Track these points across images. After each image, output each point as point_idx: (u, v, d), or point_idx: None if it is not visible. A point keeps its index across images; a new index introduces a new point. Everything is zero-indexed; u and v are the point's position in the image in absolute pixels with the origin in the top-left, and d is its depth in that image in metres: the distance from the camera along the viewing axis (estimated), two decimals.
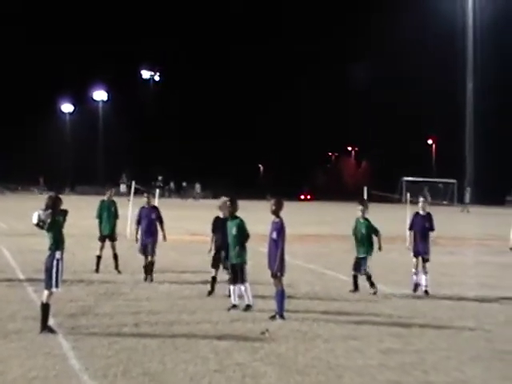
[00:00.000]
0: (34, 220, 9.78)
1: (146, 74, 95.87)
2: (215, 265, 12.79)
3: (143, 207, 15.09)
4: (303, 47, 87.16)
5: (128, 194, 37.23)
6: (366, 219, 14.24)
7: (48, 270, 9.59)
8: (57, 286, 9.58)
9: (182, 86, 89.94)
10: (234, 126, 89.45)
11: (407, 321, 11.10)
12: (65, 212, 10.00)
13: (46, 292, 9.62)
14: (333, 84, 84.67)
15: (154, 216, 14.84)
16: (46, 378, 7.54)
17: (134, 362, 8.26)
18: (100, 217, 16.11)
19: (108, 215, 16.06)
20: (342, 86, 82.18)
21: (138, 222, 14.91)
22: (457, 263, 19.84)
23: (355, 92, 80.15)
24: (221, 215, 12.68)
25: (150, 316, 10.87)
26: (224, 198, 12.30)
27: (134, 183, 28.95)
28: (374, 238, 14.15)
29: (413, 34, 70.01)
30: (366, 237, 14.11)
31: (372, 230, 14.16)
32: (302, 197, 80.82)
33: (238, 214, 11.87)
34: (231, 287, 11.67)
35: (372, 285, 13.71)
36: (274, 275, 10.99)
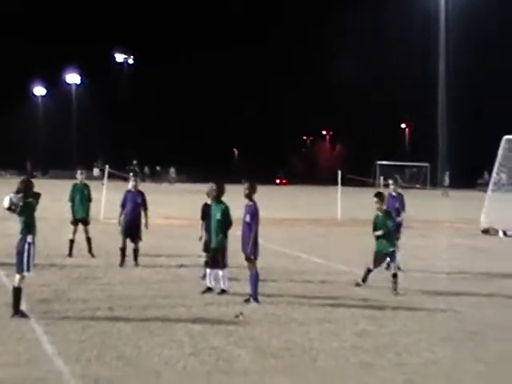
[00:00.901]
0: (6, 204, 9.67)
1: (119, 57, 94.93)
2: (207, 249, 12.70)
3: (129, 191, 14.86)
4: (277, 32, 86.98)
5: (101, 177, 37.02)
6: (386, 211, 13.03)
7: (19, 254, 9.51)
8: (28, 269, 9.50)
9: (157, 70, 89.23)
10: (208, 109, 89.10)
11: (381, 304, 11.20)
12: (37, 195, 9.90)
13: (17, 276, 9.54)
14: (308, 69, 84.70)
15: (139, 200, 14.66)
16: (19, 364, 7.49)
17: (108, 346, 8.24)
18: (73, 200, 15.95)
19: (81, 198, 15.91)
20: (318, 72, 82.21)
21: (123, 206, 14.70)
22: (428, 246, 20.03)
23: (331, 77, 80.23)
24: (209, 201, 12.52)
25: (124, 300, 10.83)
26: (212, 184, 12.16)
27: (107, 167, 28.82)
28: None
29: (386, 20, 70.22)
30: (393, 230, 12.88)
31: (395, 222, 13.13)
32: (278, 181, 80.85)
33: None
34: (208, 270, 11.67)
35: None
36: (247, 258, 11.01)
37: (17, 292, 9.48)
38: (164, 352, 8.06)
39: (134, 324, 9.31)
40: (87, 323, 9.24)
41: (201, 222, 12.83)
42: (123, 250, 14.39)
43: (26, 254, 9.47)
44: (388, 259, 12.70)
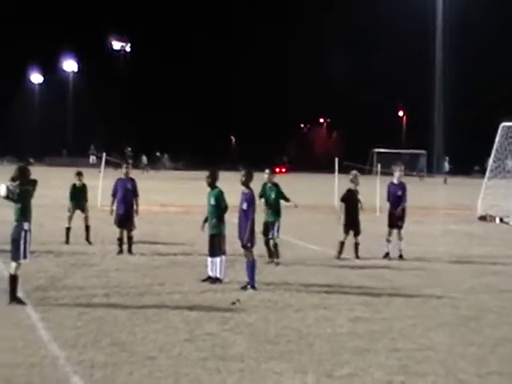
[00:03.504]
0: (3, 193, 9.66)
1: (116, 44, 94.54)
2: None
3: (120, 178, 14.85)
4: (275, 22, 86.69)
5: (98, 165, 36.95)
6: (275, 184, 14.30)
7: (15, 241, 9.50)
8: (25, 256, 9.51)
9: (153, 57, 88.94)
10: (205, 96, 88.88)
11: (376, 290, 11.23)
12: (34, 182, 9.88)
13: (13, 263, 9.54)
14: (305, 56, 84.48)
15: (129, 186, 14.64)
16: (15, 349, 7.50)
17: (104, 332, 8.26)
18: (72, 200, 16.04)
19: (79, 199, 15.99)
20: (316, 59, 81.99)
21: (114, 194, 14.67)
22: (424, 232, 20.07)
23: (328, 65, 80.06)
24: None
25: (120, 287, 10.85)
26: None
27: (104, 154, 28.78)
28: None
29: (383, 8, 69.98)
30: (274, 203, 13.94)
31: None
32: (277, 170, 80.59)
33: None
34: (208, 259, 11.62)
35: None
36: (244, 246, 11.02)
37: (13, 279, 9.48)
38: (159, 338, 8.08)
39: (129, 310, 9.32)
40: (83, 310, 9.26)
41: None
42: (120, 239, 14.39)
43: (22, 242, 9.47)
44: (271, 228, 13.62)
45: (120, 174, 15.15)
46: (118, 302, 9.84)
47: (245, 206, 11.02)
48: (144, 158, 69.21)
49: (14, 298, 9.44)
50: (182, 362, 7.27)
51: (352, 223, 14.56)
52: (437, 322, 9.23)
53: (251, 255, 11.03)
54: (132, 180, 14.83)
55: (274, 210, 13.86)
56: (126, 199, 14.53)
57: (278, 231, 13.69)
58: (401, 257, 14.59)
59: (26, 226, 9.54)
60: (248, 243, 10.96)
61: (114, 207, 14.61)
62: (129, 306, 9.56)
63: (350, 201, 14.66)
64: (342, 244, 14.55)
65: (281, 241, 13.98)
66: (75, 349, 7.57)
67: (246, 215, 10.98)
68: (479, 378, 7.06)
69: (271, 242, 13.66)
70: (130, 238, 14.46)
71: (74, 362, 7.15)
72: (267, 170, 14.32)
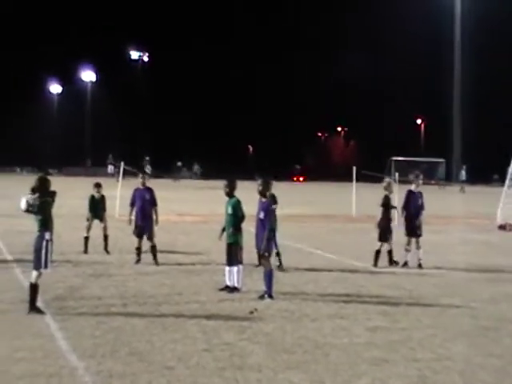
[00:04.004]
0: (23, 207, 9.73)
1: (134, 54, 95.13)
2: None
3: (137, 188, 14.83)
4: (294, 29, 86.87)
5: (116, 174, 37.16)
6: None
7: (37, 251, 9.57)
8: (46, 266, 9.57)
9: (171, 66, 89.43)
10: (223, 106, 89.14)
11: (394, 299, 11.18)
12: (53, 193, 9.96)
13: (34, 272, 9.61)
14: (323, 65, 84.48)
15: (147, 197, 14.59)
16: (34, 359, 7.55)
17: (122, 341, 8.29)
18: (90, 211, 16.15)
19: (97, 209, 16.09)
20: (334, 67, 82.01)
21: (132, 204, 14.65)
22: (443, 241, 19.94)
23: (346, 73, 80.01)
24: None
25: (138, 296, 10.89)
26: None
27: (122, 164, 28.94)
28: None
29: (401, 15, 69.86)
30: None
31: None
32: (295, 179, 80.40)
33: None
34: (226, 268, 11.62)
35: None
36: (261, 255, 11.02)
37: (33, 288, 9.55)
38: (177, 348, 8.09)
39: (147, 320, 9.35)
40: (101, 319, 9.30)
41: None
42: (139, 249, 14.40)
43: (43, 251, 9.53)
44: None
45: (138, 183, 15.19)
46: (135, 311, 9.88)
47: (262, 216, 11.05)
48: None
49: (33, 308, 9.51)
50: (199, 372, 7.27)
51: (387, 230, 14.58)
52: (455, 331, 9.17)
53: (269, 264, 11.03)
54: (150, 190, 14.81)
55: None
56: (144, 210, 14.52)
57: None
58: (420, 266, 14.53)
59: (47, 235, 9.61)
60: (265, 252, 10.96)
61: (133, 217, 14.63)
62: (147, 316, 9.59)
63: (386, 208, 14.79)
64: (378, 253, 14.53)
65: (298, 250, 13.92)
66: (94, 358, 7.60)
67: (263, 224, 11.00)
68: None
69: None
70: (153, 247, 14.37)
71: (93, 371, 7.18)
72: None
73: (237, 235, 11.49)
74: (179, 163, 69.09)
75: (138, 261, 14.29)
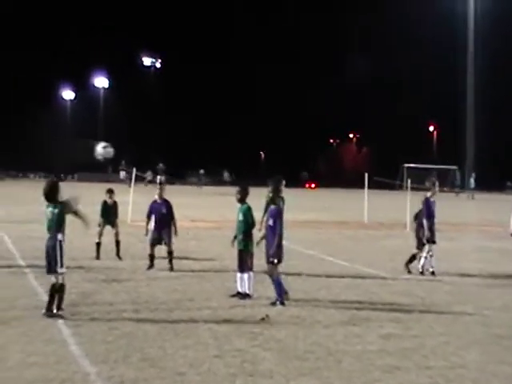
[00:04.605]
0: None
1: (147, 60, 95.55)
2: None
3: (154, 201, 14.74)
4: (304, 34, 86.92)
5: (129, 180, 37.26)
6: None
7: (53, 251, 9.58)
8: (62, 266, 9.60)
9: (184, 73, 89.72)
10: (235, 113, 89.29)
11: (406, 306, 11.13)
12: (64, 205, 9.92)
13: (53, 276, 9.64)
14: (335, 71, 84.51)
15: (164, 210, 14.53)
16: (46, 364, 7.57)
17: (134, 347, 8.30)
18: (103, 216, 16.20)
19: (110, 215, 16.14)
20: (346, 73, 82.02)
21: (149, 217, 14.60)
22: (456, 249, 19.85)
23: (358, 79, 79.97)
24: None
25: (150, 302, 10.91)
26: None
27: (134, 170, 29.04)
28: None
29: (414, 21, 69.79)
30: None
31: None
32: (307, 185, 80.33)
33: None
34: (238, 274, 11.62)
35: None
36: (269, 261, 11.00)
37: (54, 289, 9.58)
38: (189, 354, 8.09)
39: (159, 326, 9.37)
40: (113, 325, 9.32)
41: None
42: (152, 256, 14.40)
43: (58, 253, 9.58)
44: None
45: (153, 192, 15.14)
46: (147, 317, 9.89)
47: (271, 222, 11.05)
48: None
49: (51, 311, 9.59)
50: (211, 378, 7.27)
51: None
52: (468, 339, 9.12)
53: (275, 272, 11.01)
54: (166, 203, 14.71)
55: None
56: (161, 223, 14.45)
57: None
58: (433, 273, 14.48)
59: (60, 236, 9.67)
60: (275, 259, 10.94)
61: (150, 227, 14.60)
62: (158, 322, 9.60)
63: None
64: (414, 257, 14.74)
65: (310, 256, 13.87)
66: (106, 364, 7.62)
67: (273, 231, 10.99)
68: None
69: None
70: (170, 253, 14.36)
71: (105, 377, 7.19)
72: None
73: (247, 242, 11.49)
74: (202, 171, 69.15)
75: (151, 267, 14.31)
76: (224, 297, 11.43)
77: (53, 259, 9.59)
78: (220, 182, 69.57)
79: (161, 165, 66.24)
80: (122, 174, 67.70)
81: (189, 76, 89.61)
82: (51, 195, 9.85)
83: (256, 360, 7.92)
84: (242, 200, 11.71)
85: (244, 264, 11.40)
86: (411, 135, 79.84)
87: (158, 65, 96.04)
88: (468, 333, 9.51)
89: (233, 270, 12.15)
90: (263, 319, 9.84)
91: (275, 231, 10.97)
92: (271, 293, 11.21)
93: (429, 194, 15.07)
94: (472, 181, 57.13)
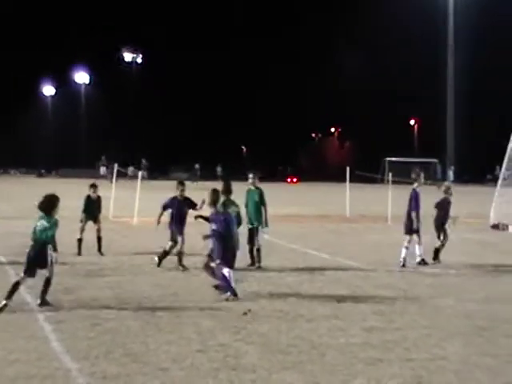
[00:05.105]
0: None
1: (128, 56, 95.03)
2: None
3: (175, 198, 14.36)
4: (286, 29, 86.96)
5: (110, 176, 37.11)
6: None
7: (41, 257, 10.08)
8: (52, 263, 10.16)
9: (165, 68, 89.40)
10: (216, 107, 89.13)
11: (389, 299, 11.18)
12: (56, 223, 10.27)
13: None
14: (317, 66, 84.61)
15: (185, 209, 14.22)
16: (28, 361, 7.52)
17: (117, 343, 8.26)
18: (85, 211, 16.07)
19: (93, 210, 16.02)
20: (327, 68, 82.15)
21: (165, 208, 14.25)
22: (436, 241, 19.91)
23: (339, 74, 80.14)
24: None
25: (133, 298, 10.86)
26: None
27: (116, 166, 28.91)
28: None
29: (394, 15, 69.94)
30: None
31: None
32: (289, 180, 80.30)
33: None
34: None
35: None
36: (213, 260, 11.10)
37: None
38: (172, 349, 8.07)
39: (142, 321, 9.33)
40: (96, 321, 9.27)
41: None
42: (167, 253, 14.13)
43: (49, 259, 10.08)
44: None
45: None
46: (130, 312, 9.85)
47: (214, 227, 11.08)
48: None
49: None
50: (194, 373, 7.26)
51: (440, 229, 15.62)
52: (451, 331, 9.17)
53: (211, 270, 11.15)
54: (187, 200, 14.36)
55: (256, 214, 13.88)
56: (181, 221, 14.15)
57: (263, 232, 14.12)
58: (423, 261, 15.03)
59: (48, 249, 10.16)
60: (218, 260, 10.96)
61: (165, 218, 14.33)
62: (141, 317, 9.57)
63: (441, 209, 15.80)
64: (438, 250, 15.52)
65: (293, 250, 13.91)
66: (88, 360, 7.58)
67: (218, 237, 11.00)
68: None
69: (254, 247, 13.75)
70: (180, 253, 13.99)
71: (87, 373, 7.16)
72: (251, 175, 14.42)
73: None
74: (197, 165, 68.81)
75: (160, 264, 13.98)
76: (207, 292, 11.40)
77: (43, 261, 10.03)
78: (214, 177, 69.30)
79: (143, 160, 66.07)
80: (103, 169, 67.45)
81: (170, 71, 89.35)
82: (48, 208, 10.13)
83: (239, 354, 7.92)
84: (214, 203, 11.44)
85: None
86: (393, 129, 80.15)
87: (139, 60, 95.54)
88: (450, 325, 9.56)
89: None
90: (246, 314, 9.84)
91: (219, 237, 10.95)
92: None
93: (415, 184, 15.20)
94: (451, 174, 57.51)
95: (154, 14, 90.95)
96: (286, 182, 75.08)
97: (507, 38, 65.85)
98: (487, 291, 12.12)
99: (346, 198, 28.56)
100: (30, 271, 9.97)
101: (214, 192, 11.47)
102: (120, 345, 8.18)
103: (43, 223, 10.03)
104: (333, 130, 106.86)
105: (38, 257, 9.99)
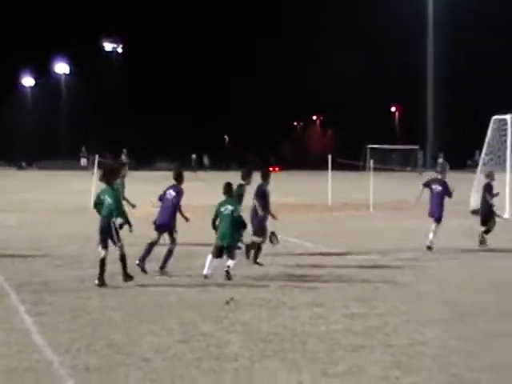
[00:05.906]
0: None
1: (108, 46, 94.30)
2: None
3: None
4: (265, 17, 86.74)
5: (90, 167, 36.90)
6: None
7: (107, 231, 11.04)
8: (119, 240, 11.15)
9: (145, 58, 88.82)
10: (198, 96, 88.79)
11: (371, 286, 11.26)
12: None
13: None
14: (298, 54, 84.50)
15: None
16: (9, 354, 7.50)
17: (99, 335, 8.25)
18: None
19: None
20: (308, 56, 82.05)
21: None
22: (419, 228, 20.06)
23: (320, 62, 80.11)
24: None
25: (115, 289, 10.85)
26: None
27: (97, 157, 28.73)
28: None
29: (375, 6, 70.05)
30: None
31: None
32: (271, 169, 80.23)
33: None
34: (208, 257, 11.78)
35: None
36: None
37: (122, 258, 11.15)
38: (154, 340, 8.08)
39: (124, 312, 9.33)
40: (78, 313, 9.26)
41: None
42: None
43: (113, 232, 10.99)
44: None
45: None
46: (112, 304, 9.84)
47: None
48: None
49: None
50: (177, 363, 7.28)
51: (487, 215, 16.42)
52: (431, 317, 9.25)
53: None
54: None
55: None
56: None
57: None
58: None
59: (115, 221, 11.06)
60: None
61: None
62: (123, 308, 9.56)
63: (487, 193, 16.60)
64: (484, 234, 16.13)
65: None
66: (70, 352, 7.56)
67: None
68: (471, 372, 7.08)
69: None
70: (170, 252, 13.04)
71: (69, 365, 7.15)
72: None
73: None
74: (194, 155, 68.78)
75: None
76: (190, 282, 11.42)
77: (110, 237, 10.95)
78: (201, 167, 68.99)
79: (124, 150, 65.69)
80: (83, 160, 67.05)
81: (150, 60, 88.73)
82: (111, 179, 11.11)
83: (221, 343, 7.95)
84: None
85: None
86: (374, 117, 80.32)
87: (119, 50, 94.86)
88: (431, 311, 9.65)
89: (199, 255, 12.13)
90: (228, 302, 9.87)
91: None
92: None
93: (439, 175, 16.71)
94: (441, 160, 57.74)
95: (134, 2, 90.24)
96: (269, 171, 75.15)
97: (489, 22, 66.04)
98: (468, 277, 12.24)
99: (327, 186, 28.61)
100: (102, 243, 11.00)
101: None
102: (102, 336, 8.18)
103: (108, 200, 10.93)
104: (315, 118, 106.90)
105: (104, 229, 10.98)
